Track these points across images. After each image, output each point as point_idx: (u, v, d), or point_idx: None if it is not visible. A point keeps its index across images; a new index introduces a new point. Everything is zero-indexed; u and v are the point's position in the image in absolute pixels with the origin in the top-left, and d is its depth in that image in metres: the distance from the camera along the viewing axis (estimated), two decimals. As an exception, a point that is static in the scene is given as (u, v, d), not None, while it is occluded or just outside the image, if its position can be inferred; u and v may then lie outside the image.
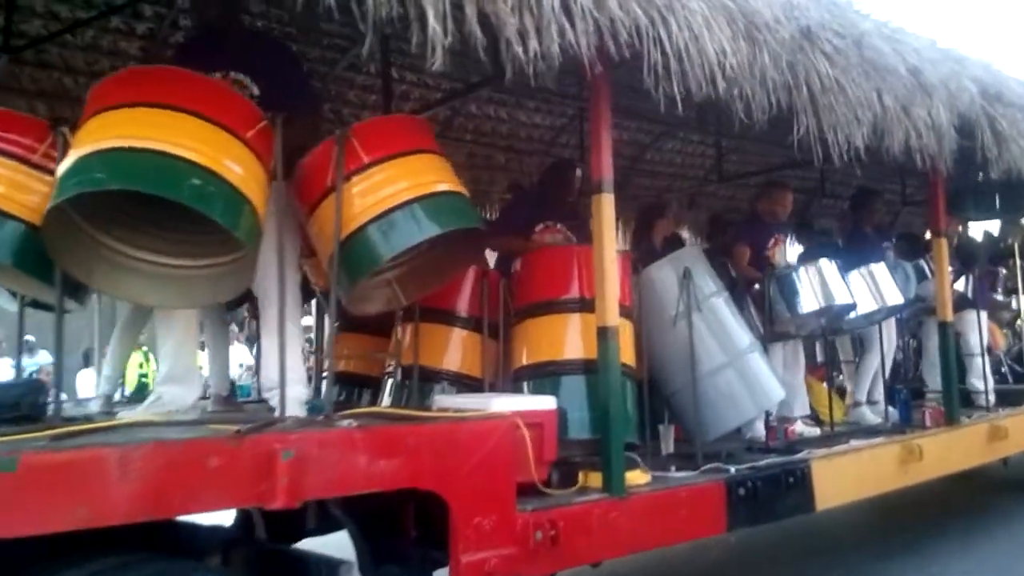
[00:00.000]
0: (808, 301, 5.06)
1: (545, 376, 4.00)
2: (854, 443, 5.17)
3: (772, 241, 5.65)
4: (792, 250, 9.67)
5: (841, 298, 5.11)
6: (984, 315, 7.08)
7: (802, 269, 5.12)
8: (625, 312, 4.22)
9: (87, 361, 10.16)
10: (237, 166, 2.89)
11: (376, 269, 3.27)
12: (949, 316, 5.84)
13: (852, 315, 5.49)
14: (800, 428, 5.70)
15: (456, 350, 4.31)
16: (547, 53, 2.92)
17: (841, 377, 7.08)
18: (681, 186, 8.36)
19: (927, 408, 5.89)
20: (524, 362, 4.09)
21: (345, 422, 2.90)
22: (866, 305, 5.49)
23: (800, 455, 4.68)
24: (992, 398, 6.88)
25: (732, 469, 4.25)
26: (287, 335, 3.34)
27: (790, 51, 3.67)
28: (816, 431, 5.66)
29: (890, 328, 6.20)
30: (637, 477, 3.83)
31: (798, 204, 9.91)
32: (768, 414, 5.20)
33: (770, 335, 5.12)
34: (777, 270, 5.27)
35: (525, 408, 3.56)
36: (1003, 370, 7.36)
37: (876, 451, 5.11)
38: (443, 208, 3.23)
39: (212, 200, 2.81)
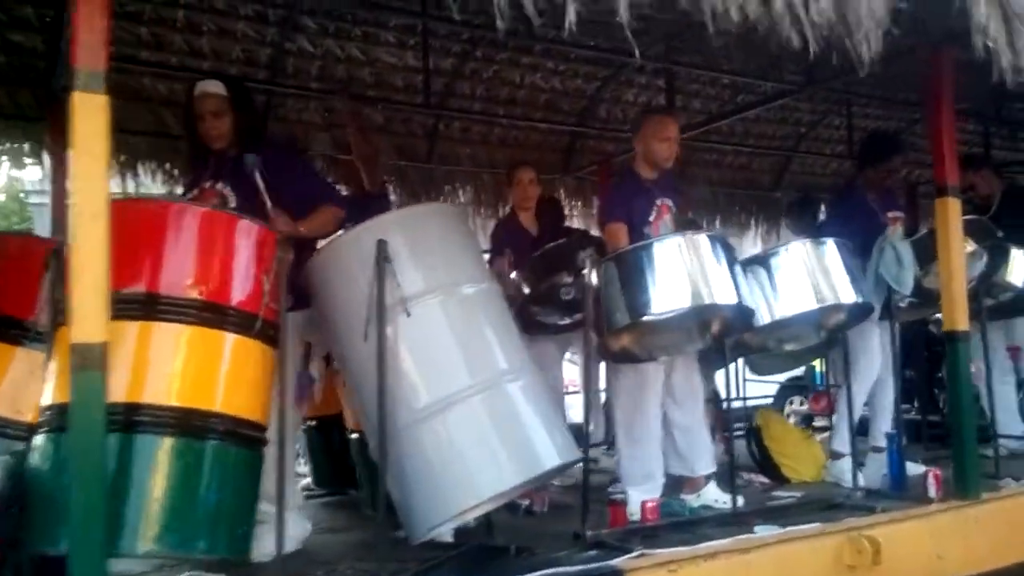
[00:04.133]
0: (667, 297, 3.05)
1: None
2: (761, 531, 3.14)
3: (654, 211, 3.61)
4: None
5: (721, 295, 3.06)
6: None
7: (665, 242, 3.10)
8: (242, 321, 2.47)
9: None
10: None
11: None
12: (962, 322, 3.63)
13: (769, 320, 3.39)
14: (709, 496, 3.69)
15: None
16: None
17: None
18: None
19: (931, 471, 3.69)
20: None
21: None
22: (792, 304, 3.39)
23: (618, 560, 2.74)
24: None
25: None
26: None
27: None
28: (740, 502, 3.61)
29: (869, 341, 3.98)
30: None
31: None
32: (615, 481, 3.27)
33: (603, 351, 3.17)
34: (620, 249, 3.27)
35: None
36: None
37: (788, 549, 3.05)
38: None
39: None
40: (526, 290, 4.00)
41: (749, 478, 4.31)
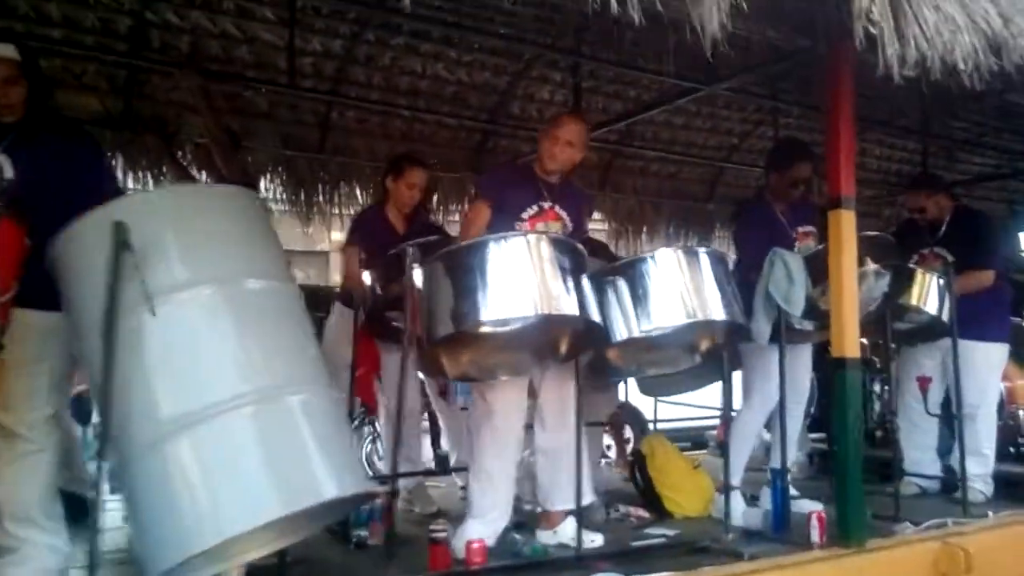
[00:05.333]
0: (497, 305, 2.62)
1: None
2: (602, 580, 2.72)
3: (535, 209, 3.20)
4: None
5: (562, 305, 2.63)
6: (993, 350, 4.34)
7: (500, 243, 2.67)
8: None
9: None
10: None
11: None
12: (851, 348, 3.24)
13: (626, 335, 2.97)
14: (567, 534, 3.26)
15: None
16: None
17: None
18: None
19: (815, 512, 3.30)
20: None
21: None
22: (657, 319, 2.97)
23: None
24: (986, 489, 4.14)
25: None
26: None
27: None
28: (597, 542, 3.20)
29: (767, 364, 3.63)
30: None
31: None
32: (440, 515, 2.83)
33: (423, 366, 2.74)
34: (450, 247, 2.84)
35: None
36: (1022, 441, 4.55)
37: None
38: None
39: None
40: (379, 292, 3.57)
41: (627, 511, 3.89)
